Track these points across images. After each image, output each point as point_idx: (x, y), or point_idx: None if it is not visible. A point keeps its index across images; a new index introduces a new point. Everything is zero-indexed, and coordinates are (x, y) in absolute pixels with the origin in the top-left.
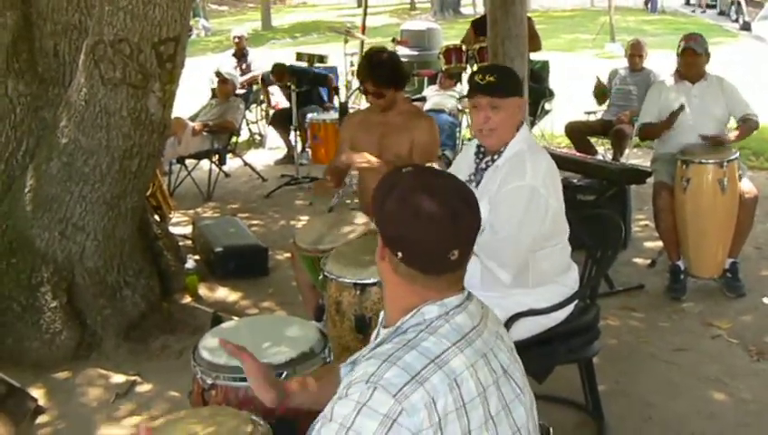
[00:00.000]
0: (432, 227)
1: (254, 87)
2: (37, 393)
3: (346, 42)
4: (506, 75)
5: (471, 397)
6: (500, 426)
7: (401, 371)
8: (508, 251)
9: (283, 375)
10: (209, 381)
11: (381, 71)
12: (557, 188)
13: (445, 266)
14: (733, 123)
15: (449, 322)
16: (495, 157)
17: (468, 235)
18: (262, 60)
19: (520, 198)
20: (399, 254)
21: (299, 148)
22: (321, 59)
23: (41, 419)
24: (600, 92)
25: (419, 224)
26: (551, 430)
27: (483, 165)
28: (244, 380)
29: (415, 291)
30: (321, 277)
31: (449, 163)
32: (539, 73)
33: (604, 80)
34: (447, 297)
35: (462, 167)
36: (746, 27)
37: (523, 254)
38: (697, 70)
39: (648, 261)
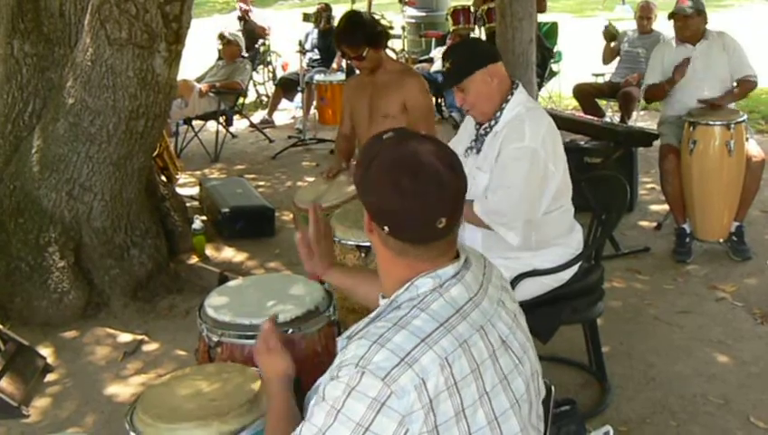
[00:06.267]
0: (416, 199)
1: (261, 48)
2: (46, 352)
3: (353, 2)
4: (460, 55)
5: (463, 375)
6: (496, 400)
7: (390, 353)
8: (514, 212)
9: (289, 333)
10: (215, 339)
11: (354, 32)
12: (558, 149)
13: (433, 235)
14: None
15: (443, 295)
16: (493, 123)
17: (454, 200)
18: (266, 20)
19: (521, 160)
20: (386, 228)
21: (310, 111)
22: (329, 20)
23: (49, 377)
24: (610, 34)
25: (403, 197)
26: (553, 388)
27: (482, 131)
28: (249, 337)
29: (407, 263)
30: None
31: (457, 125)
32: (547, 35)
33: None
34: (441, 267)
35: (464, 135)
36: None
37: (529, 214)
38: (692, 31)
39: (654, 224)
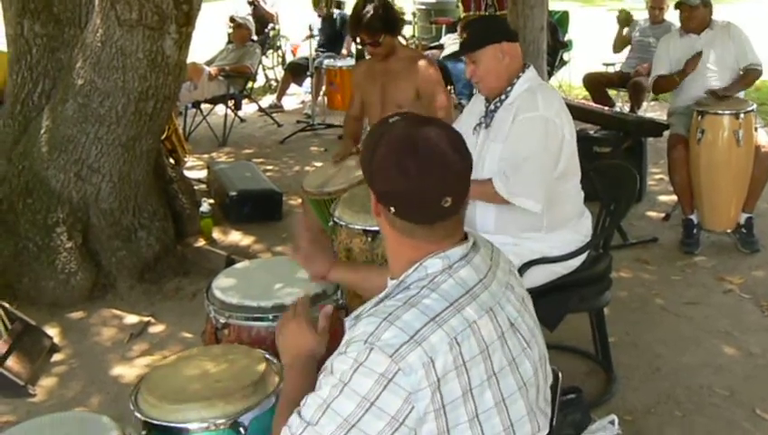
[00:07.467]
0: (421, 179)
1: (271, 33)
2: (52, 332)
3: None
4: (478, 27)
5: (472, 355)
6: (503, 381)
7: (399, 331)
8: (532, 179)
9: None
10: (222, 321)
11: (372, 18)
12: (570, 123)
13: (439, 215)
14: None
15: (452, 276)
16: (504, 97)
17: (459, 180)
18: (275, 5)
19: (535, 127)
20: (392, 209)
21: (319, 96)
22: (339, 5)
23: (56, 357)
24: (624, 18)
25: (407, 177)
26: (560, 374)
27: (492, 107)
28: (256, 319)
29: (414, 244)
30: (330, 223)
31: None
32: (558, 24)
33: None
34: (449, 248)
35: (473, 111)
36: None
37: (547, 181)
38: (698, 22)
39: (663, 215)
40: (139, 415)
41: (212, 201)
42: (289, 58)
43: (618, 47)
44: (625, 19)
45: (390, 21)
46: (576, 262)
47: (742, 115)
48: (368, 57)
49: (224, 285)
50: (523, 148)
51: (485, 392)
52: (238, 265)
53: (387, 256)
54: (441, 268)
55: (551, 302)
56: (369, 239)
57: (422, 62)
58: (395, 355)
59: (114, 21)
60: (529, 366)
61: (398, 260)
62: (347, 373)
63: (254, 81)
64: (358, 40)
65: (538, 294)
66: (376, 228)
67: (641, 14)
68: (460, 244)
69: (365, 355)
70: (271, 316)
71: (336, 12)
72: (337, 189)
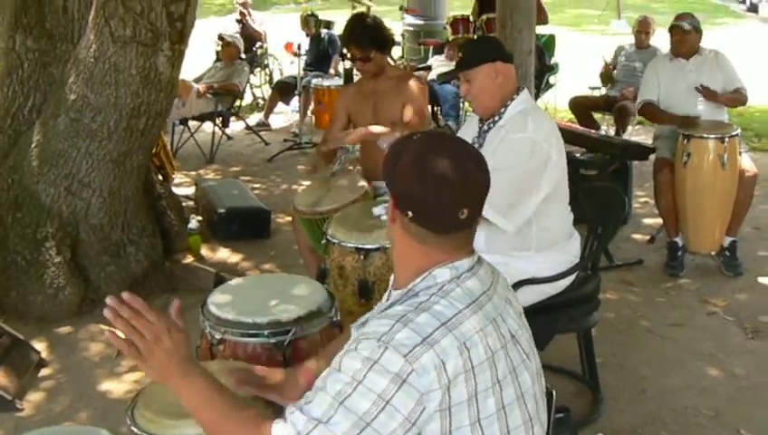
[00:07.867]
0: (442, 186)
1: (259, 51)
2: (40, 346)
3: (353, 8)
4: (473, 47)
5: (479, 360)
6: (506, 390)
7: (412, 332)
8: (508, 199)
9: (291, 332)
10: (217, 337)
11: (363, 33)
12: (560, 146)
13: (454, 225)
14: None
15: (460, 286)
16: (497, 118)
17: (478, 194)
18: (262, 24)
19: (521, 148)
20: (410, 213)
21: (306, 115)
22: (328, 25)
23: (43, 371)
24: (606, 76)
25: (430, 182)
26: (554, 392)
27: (485, 127)
28: (251, 335)
29: (425, 252)
30: (323, 241)
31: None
32: (544, 47)
33: (609, 60)
34: (458, 259)
35: (467, 133)
36: (754, 9)
37: (524, 203)
38: (689, 47)
39: (648, 237)
40: (135, 430)
41: (200, 218)
42: (276, 76)
43: (606, 82)
44: (608, 78)
45: (381, 37)
46: (565, 282)
47: (727, 139)
48: (356, 78)
49: (219, 301)
50: (500, 163)
51: (489, 398)
52: (233, 282)
53: (394, 265)
54: (449, 278)
55: (540, 322)
56: (362, 257)
57: (412, 81)
58: (409, 356)
59: (108, 37)
60: (528, 377)
61: (405, 267)
62: (360, 372)
63: (242, 99)
64: (348, 57)
65: (527, 315)
66: (369, 246)
67: (627, 39)
68: (467, 256)
69: (379, 353)
70: (266, 332)
71: (324, 31)
72: (329, 209)
